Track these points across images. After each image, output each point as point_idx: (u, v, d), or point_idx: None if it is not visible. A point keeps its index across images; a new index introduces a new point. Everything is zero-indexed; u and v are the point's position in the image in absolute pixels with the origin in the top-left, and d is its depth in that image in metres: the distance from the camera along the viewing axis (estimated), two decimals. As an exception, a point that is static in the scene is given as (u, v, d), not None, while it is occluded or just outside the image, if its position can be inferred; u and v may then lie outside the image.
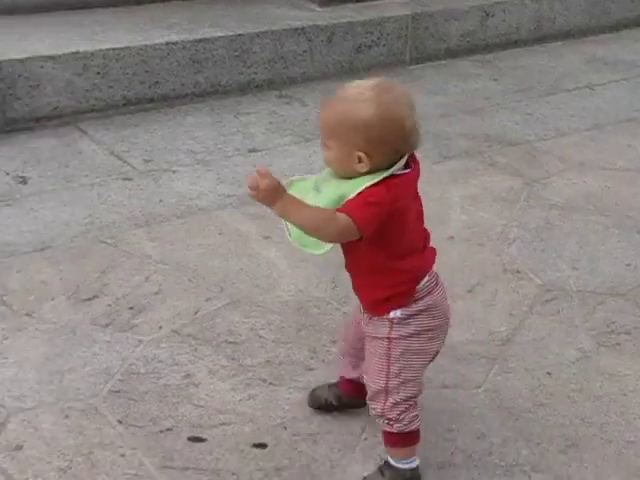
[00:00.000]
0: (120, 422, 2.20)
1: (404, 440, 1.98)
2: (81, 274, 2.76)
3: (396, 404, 1.95)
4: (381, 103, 1.79)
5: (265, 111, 4.06)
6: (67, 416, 2.21)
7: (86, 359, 2.38)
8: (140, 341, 2.48)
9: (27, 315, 2.58)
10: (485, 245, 3.05)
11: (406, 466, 2.00)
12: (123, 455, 2.09)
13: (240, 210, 3.20)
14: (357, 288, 1.98)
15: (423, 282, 1.91)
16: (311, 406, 2.26)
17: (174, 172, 3.47)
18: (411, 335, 1.92)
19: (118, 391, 2.30)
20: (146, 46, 3.87)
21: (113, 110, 3.84)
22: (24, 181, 3.34)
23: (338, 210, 1.78)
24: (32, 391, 2.27)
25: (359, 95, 1.80)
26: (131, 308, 2.61)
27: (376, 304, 1.94)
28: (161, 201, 3.24)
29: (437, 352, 2.00)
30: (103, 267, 2.80)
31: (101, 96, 3.81)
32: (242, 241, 3.02)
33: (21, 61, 3.66)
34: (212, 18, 4.30)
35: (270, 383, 2.36)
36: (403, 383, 1.94)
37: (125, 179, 3.37)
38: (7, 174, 3.38)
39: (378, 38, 4.48)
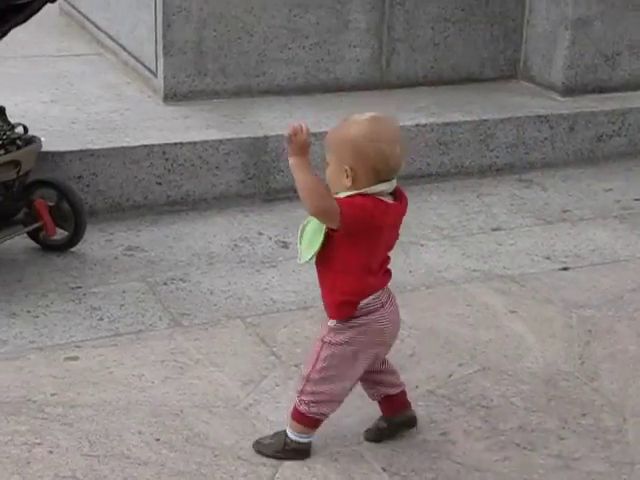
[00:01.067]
0: (384, 470, 2.37)
1: (304, 419, 2.31)
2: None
3: (312, 393, 2.28)
4: (371, 126, 2.14)
5: (506, 193, 4.21)
6: (336, 460, 2.40)
7: (349, 409, 2.56)
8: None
9: (295, 366, 2.80)
10: None
11: (295, 437, 2.33)
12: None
13: (486, 284, 3.35)
14: (322, 286, 2.26)
15: (365, 301, 2.21)
16: (369, 439, 2.43)
17: (422, 245, 3.66)
18: (340, 344, 2.24)
19: (381, 440, 2.47)
20: (397, 127, 4.12)
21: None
22: (285, 245, 3.63)
23: None
24: (303, 434, 2.48)
25: (355, 119, 2.16)
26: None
27: (328, 306, 2.26)
28: (410, 271, 3.44)
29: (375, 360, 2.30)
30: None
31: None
32: (490, 313, 3.15)
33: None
34: (458, 104, 4.51)
35: (524, 447, 2.46)
36: (323, 379, 2.27)
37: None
38: (270, 239, 3.68)
39: (619, 128, 4.55)
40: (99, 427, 2.47)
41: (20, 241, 3.39)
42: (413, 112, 4.37)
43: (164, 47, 4.15)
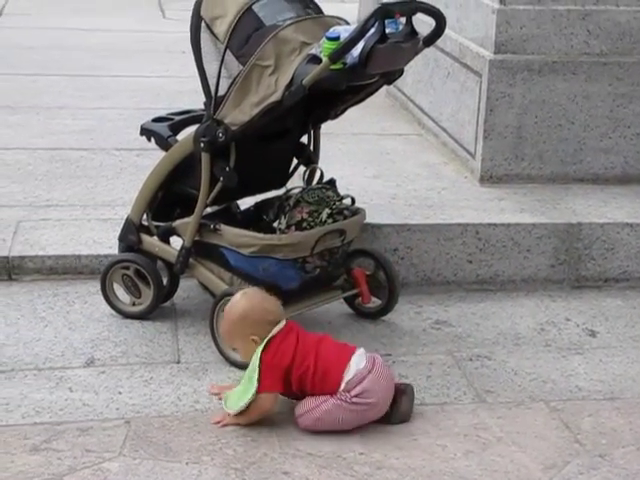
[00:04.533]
0: None
1: None
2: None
3: None
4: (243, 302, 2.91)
5: None
6: None
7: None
8: None
9: (600, 456, 2.74)
10: None
11: None
12: None
13: None
14: None
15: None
16: None
17: None
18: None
19: None
20: None
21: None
22: (593, 334, 3.56)
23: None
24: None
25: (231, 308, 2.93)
26: None
27: None
28: None
29: None
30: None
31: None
32: None
33: (600, 225, 3.95)
34: None
35: None
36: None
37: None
38: (577, 325, 3.63)
39: None
40: (403, 491, 2.55)
41: (337, 306, 3.58)
42: None
43: (484, 131, 4.25)
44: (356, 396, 2.74)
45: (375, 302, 3.57)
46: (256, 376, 2.72)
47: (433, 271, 3.89)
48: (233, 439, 2.76)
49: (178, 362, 3.20)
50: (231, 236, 3.20)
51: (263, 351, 2.75)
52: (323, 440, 2.77)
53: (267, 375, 2.72)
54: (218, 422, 2.82)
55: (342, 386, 2.75)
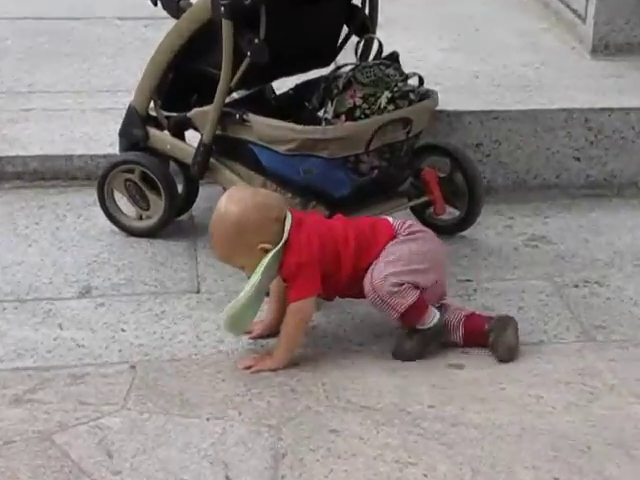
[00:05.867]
0: None
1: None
2: None
3: None
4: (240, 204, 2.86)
5: None
6: None
7: None
8: None
9: None
10: None
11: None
12: None
13: None
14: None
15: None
16: None
17: None
18: None
19: None
20: None
21: None
22: None
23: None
24: None
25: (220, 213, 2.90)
26: None
27: None
28: None
29: None
30: None
31: None
32: None
33: None
34: None
35: None
36: None
37: None
38: None
39: None
40: (484, 453, 2.54)
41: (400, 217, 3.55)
42: None
43: (599, -15, 4.17)
44: (409, 233, 2.92)
45: (452, 213, 3.56)
46: (256, 278, 2.77)
47: (529, 172, 3.86)
48: (266, 388, 2.77)
49: (198, 292, 3.21)
50: (263, 128, 3.17)
51: (285, 256, 2.80)
52: (382, 390, 2.77)
53: (300, 279, 2.79)
54: (248, 367, 2.83)
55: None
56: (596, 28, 4.22)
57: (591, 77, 4.08)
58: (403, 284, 2.82)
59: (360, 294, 2.88)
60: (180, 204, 3.49)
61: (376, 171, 3.24)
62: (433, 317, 2.89)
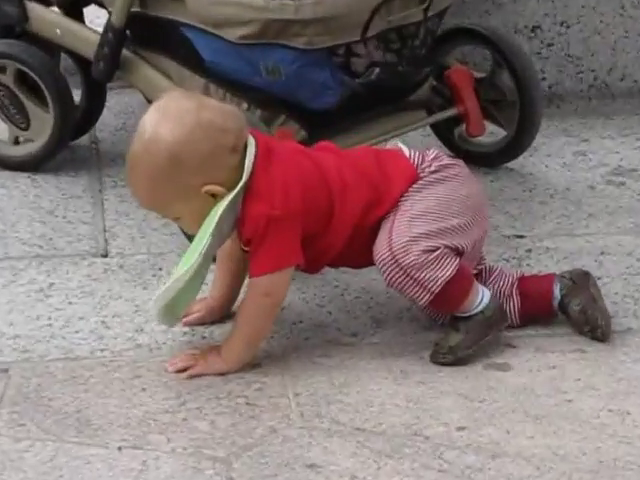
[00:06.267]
0: None
1: None
2: None
3: None
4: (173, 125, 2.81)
5: None
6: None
7: None
8: None
9: None
10: None
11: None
12: None
13: None
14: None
15: None
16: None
17: None
18: None
19: None
20: None
21: None
22: None
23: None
24: None
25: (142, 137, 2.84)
26: None
27: None
28: None
29: None
30: None
31: None
32: None
33: None
34: None
35: None
36: None
37: None
38: None
39: None
40: None
41: (413, 136, 3.58)
42: None
43: None
44: (437, 169, 2.90)
45: (494, 133, 3.59)
46: (204, 243, 2.75)
47: (612, 71, 3.91)
48: (210, 402, 2.77)
49: (105, 255, 3.25)
50: (203, 3, 3.17)
51: (247, 205, 2.78)
52: (385, 404, 2.78)
53: (270, 241, 2.76)
54: (183, 370, 2.84)
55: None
56: None
57: None
58: (438, 248, 2.80)
59: (363, 264, 2.89)
60: (77, 120, 3.48)
61: (378, 70, 3.25)
62: (482, 296, 2.87)
